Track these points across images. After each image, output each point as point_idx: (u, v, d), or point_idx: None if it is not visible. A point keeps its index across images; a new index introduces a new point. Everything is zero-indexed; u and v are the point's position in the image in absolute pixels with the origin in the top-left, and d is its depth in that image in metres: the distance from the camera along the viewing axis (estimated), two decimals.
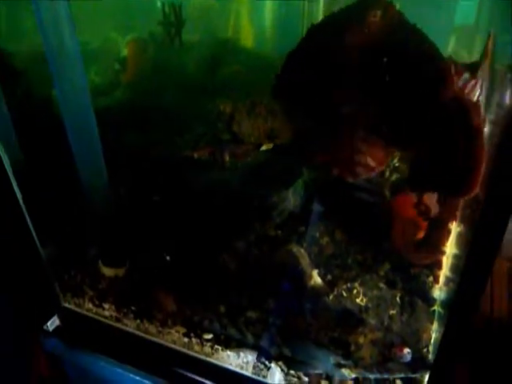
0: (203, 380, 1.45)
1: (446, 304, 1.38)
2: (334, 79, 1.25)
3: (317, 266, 1.50)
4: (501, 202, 0.88)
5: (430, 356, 1.33)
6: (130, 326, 1.57)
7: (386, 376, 1.29)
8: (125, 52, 2.65)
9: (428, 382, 1.24)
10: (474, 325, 2.01)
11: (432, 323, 1.43)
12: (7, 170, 1.34)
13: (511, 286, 2.32)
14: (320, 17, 2.34)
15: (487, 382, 1.78)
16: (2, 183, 1.35)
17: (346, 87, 1.24)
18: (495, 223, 0.89)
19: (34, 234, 1.48)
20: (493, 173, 0.88)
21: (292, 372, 1.38)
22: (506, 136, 0.82)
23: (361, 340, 1.31)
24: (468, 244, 1.04)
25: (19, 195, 1.39)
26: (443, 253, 1.47)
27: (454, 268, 1.40)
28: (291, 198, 1.65)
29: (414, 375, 1.29)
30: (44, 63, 1.42)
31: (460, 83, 1.13)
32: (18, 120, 1.59)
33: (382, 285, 1.49)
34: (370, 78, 1.19)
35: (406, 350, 1.30)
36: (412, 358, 1.30)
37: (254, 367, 1.42)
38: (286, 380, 1.38)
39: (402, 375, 1.29)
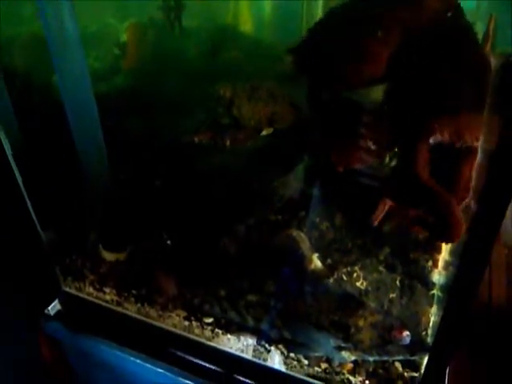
0: (204, 363, 1.46)
1: (445, 288, 1.39)
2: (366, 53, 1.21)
3: (317, 250, 1.51)
4: (501, 185, 0.89)
5: (429, 339, 1.34)
6: (130, 309, 1.58)
7: (385, 358, 1.30)
8: (124, 37, 2.63)
9: (427, 364, 1.25)
10: (472, 311, 2.04)
11: (431, 307, 1.44)
12: (8, 153, 1.34)
13: (510, 273, 2.34)
14: (320, 3, 2.33)
15: (486, 368, 1.80)
16: (3, 167, 1.35)
17: (373, 64, 1.20)
18: (495, 206, 0.89)
19: (35, 218, 1.48)
20: (493, 158, 0.88)
21: (292, 355, 1.39)
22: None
23: (361, 323, 1.32)
24: (467, 228, 1.05)
25: (19, 179, 1.39)
26: None
27: (453, 252, 1.41)
28: (292, 183, 1.65)
29: (412, 357, 1.31)
30: (44, 48, 1.42)
31: None
32: (18, 104, 1.58)
33: (381, 268, 1.50)
34: (404, 57, 1.15)
35: (406, 333, 1.31)
36: (411, 340, 1.31)
37: (254, 350, 1.43)
38: (285, 363, 1.39)
39: (401, 357, 1.31)
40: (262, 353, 1.42)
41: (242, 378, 1.42)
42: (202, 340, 1.48)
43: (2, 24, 2.14)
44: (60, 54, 1.45)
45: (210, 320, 1.49)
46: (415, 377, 1.31)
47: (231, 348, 1.45)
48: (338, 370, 1.34)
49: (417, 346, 1.32)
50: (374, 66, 1.21)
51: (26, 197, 1.43)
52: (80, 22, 1.46)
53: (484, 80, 1.10)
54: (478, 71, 1.13)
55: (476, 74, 1.13)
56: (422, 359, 1.31)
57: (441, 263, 1.52)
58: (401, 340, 1.32)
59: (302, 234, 1.52)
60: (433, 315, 1.41)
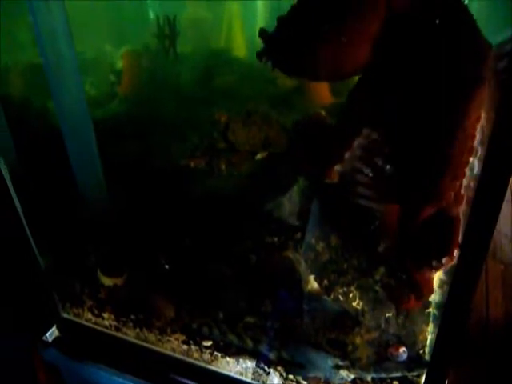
0: None
1: (440, 306, 1.40)
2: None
3: (313, 272, 1.52)
4: (489, 202, 0.91)
5: (427, 357, 1.35)
6: (129, 334, 1.57)
7: (383, 375, 1.31)
8: (120, 63, 2.68)
9: (425, 382, 1.26)
10: (470, 327, 2.05)
11: (427, 325, 1.45)
12: (7, 181, 1.35)
13: (506, 288, 2.36)
14: None
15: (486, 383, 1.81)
16: (2, 194, 1.36)
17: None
18: (484, 223, 0.92)
19: (34, 245, 1.49)
20: (481, 173, 0.90)
21: (291, 377, 1.39)
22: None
23: (357, 341, 1.33)
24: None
25: (18, 206, 1.40)
26: None
27: (449, 270, 1.42)
28: (287, 205, 1.67)
29: (410, 373, 1.31)
30: (42, 75, 1.45)
31: None
32: (16, 132, 1.60)
33: (377, 288, 1.51)
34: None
35: (402, 349, 1.32)
36: (408, 357, 1.32)
37: (253, 373, 1.43)
38: None
39: (399, 374, 1.31)
40: (261, 375, 1.42)
41: None
42: (201, 364, 1.48)
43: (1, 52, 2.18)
44: (57, 81, 1.48)
45: (209, 343, 1.49)
46: None
47: (230, 371, 1.45)
48: None
49: (414, 362, 1.33)
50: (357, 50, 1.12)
51: (24, 223, 1.44)
52: (77, 49, 1.49)
53: None
54: None
55: None
56: (420, 378, 1.31)
57: (436, 282, 1.53)
58: (398, 356, 1.32)
59: (298, 256, 1.54)
60: (429, 333, 1.42)
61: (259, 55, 1.18)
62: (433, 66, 1.06)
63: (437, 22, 1.05)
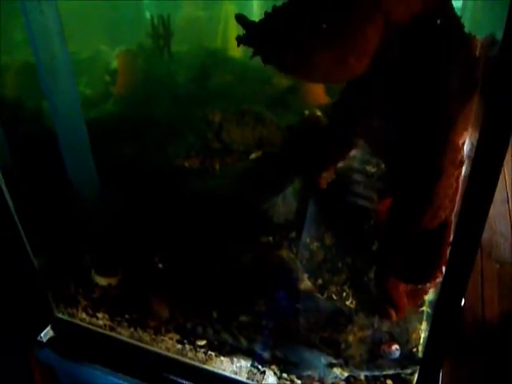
0: None
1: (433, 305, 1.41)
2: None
3: (307, 271, 1.52)
4: (478, 201, 0.91)
5: (420, 355, 1.35)
6: (123, 334, 1.57)
7: (376, 373, 1.31)
8: (115, 63, 2.68)
9: (417, 380, 1.26)
10: (466, 327, 2.06)
11: (421, 323, 1.45)
12: (0, 180, 1.35)
13: (501, 287, 2.37)
14: None
15: (483, 381, 1.81)
16: None
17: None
18: (474, 221, 0.92)
19: (27, 245, 1.49)
20: (470, 173, 0.91)
21: (285, 375, 1.39)
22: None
23: (351, 339, 1.33)
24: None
25: (11, 205, 1.40)
26: None
27: None
28: (281, 205, 1.67)
29: (403, 371, 1.32)
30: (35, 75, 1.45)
31: None
32: (10, 131, 1.60)
33: (371, 287, 1.51)
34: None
35: (395, 347, 1.32)
36: (401, 355, 1.32)
37: (247, 372, 1.43)
38: None
39: (392, 371, 1.31)
40: (255, 374, 1.42)
41: None
42: (196, 363, 1.48)
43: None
44: (50, 82, 1.47)
45: (203, 342, 1.49)
46: None
47: (225, 370, 1.45)
48: None
49: (407, 359, 1.33)
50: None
51: (18, 223, 1.43)
52: (71, 48, 1.49)
53: None
54: None
55: None
56: (413, 375, 1.31)
57: None
58: (390, 354, 1.33)
59: (292, 255, 1.54)
60: (423, 331, 1.43)
61: (239, 40, 1.13)
62: (426, 78, 1.07)
63: (435, 35, 1.05)
